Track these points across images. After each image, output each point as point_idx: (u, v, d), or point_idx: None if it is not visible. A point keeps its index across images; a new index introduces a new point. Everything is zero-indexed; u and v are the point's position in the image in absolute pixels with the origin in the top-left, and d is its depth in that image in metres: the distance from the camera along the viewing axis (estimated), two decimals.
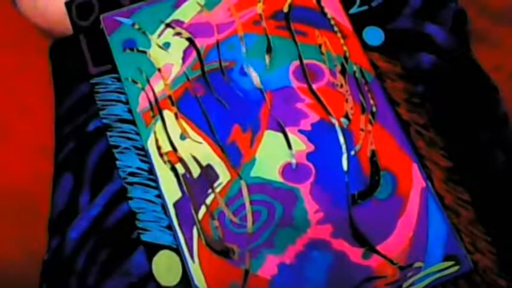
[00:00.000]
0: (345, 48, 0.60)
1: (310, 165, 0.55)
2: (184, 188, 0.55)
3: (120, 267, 0.54)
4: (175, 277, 0.53)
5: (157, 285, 0.53)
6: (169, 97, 0.58)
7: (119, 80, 0.59)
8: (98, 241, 0.55)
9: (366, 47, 0.60)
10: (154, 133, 0.57)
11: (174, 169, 0.56)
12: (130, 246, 0.55)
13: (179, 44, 0.60)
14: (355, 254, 0.53)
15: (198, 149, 0.56)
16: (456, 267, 0.52)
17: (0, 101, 0.79)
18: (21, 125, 0.78)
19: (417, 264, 0.52)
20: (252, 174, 0.55)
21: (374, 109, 0.57)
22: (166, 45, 0.60)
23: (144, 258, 0.54)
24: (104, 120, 0.58)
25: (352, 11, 0.61)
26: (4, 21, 0.80)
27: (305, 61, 0.59)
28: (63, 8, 0.62)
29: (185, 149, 0.56)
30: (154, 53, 0.59)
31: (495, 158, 0.58)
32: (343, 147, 0.56)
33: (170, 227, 0.54)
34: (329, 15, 0.61)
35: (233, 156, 0.56)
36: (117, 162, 0.56)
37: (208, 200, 0.55)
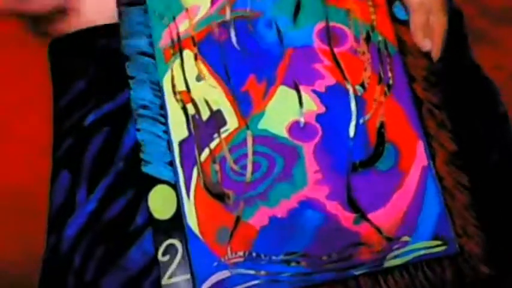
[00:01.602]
0: (373, 17, 0.59)
1: (318, 126, 0.56)
2: (192, 128, 0.56)
3: (117, 262, 0.55)
4: (169, 212, 0.54)
5: (150, 217, 0.54)
6: (192, 38, 0.58)
7: (145, 11, 0.59)
8: (94, 237, 0.56)
9: (395, 19, 0.60)
10: (172, 70, 0.58)
11: (184, 108, 0.57)
12: (126, 242, 0.56)
13: None
14: (346, 218, 0.53)
15: (211, 93, 0.57)
16: (442, 248, 0.53)
17: (0, 101, 0.79)
18: (21, 125, 0.79)
19: (404, 238, 0.53)
20: (260, 126, 0.56)
21: (391, 82, 0.57)
22: None
23: (140, 254, 0.55)
24: (124, 51, 0.59)
25: None
26: (4, 21, 0.80)
27: (331, 23, 0.59)
28: None
29: (198, 91, 0.57)
30: None
31: (493, 157, 0.58)
32: (354, 114, 0.56)
33: (172, 163, 0.55)
34: None
35: (244, 105, 0.56)
36: (131, 93, 0.57)
37: (213, 144, 0.56)
